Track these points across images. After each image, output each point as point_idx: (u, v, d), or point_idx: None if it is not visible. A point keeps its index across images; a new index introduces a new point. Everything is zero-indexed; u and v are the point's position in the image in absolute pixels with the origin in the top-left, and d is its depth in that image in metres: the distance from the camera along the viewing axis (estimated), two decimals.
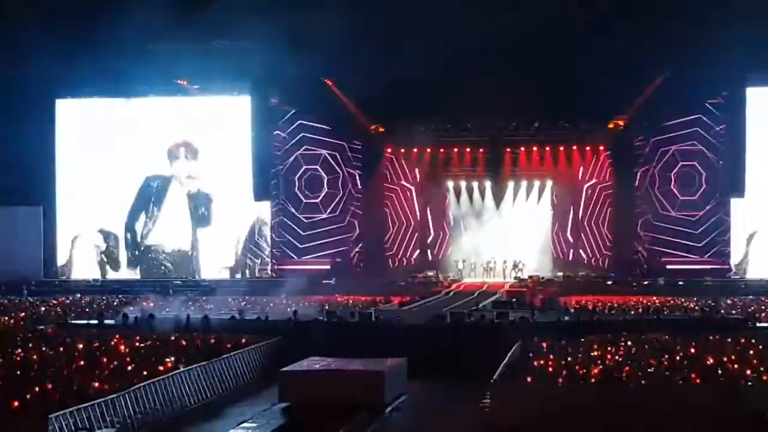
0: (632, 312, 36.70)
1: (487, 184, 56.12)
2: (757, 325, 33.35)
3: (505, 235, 54.96)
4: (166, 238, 55.44)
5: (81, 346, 26.90)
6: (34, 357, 24.97)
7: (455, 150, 55.40)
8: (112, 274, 55.49)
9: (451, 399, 25.52)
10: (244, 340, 29.17)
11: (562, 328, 31.20)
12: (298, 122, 53.78)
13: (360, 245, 54.32)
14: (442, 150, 55.39)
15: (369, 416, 22.96)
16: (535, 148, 54.94)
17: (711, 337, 28.39)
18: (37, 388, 20.19)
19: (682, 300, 42.08)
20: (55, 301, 43.73)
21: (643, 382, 22.00)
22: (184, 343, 28.23)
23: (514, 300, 39.69)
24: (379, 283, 49.21)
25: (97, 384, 21.00)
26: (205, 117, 54.92)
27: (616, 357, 25.09)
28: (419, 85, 47.05)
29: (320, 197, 53.82)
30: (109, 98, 55.55)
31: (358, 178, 54.41)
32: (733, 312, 37.34)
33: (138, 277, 54.95)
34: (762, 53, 49.69)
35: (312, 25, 47.38)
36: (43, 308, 40.53)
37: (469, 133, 54.53)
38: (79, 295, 47.78)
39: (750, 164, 52.01)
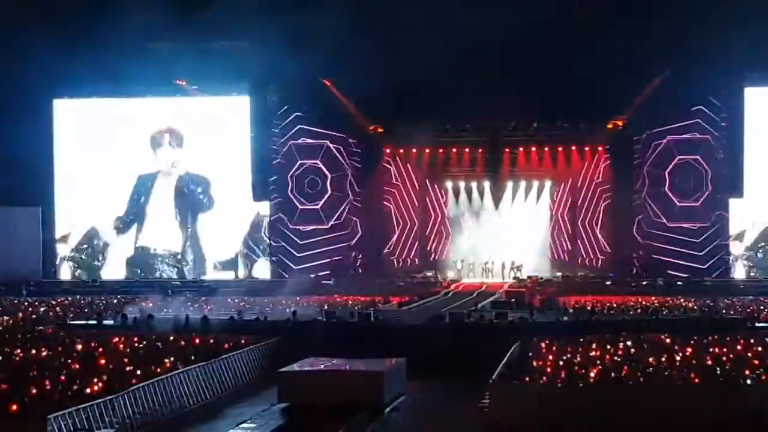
0: (631, 312, 36.73)
1: (486, 184, 56.12)
2: (756, 325, 33.37)
3: (503, 235, 54.95)
4: (157, 238, 55.23)
5: (80, 346, 26.89)
6: (33, 357, 24.96)
7: (454, 150, 55.42)
8: (112, 275, 55.41)
9: (450, 399, 25.54)
10: (243, 341, 29.16)
11: (560, 329, 31.22)
12: (297, 123, 53.75)
13: (359, 245, 54.31)
14: (441, 150, 55.41)
15: (368, 416, 22.96)
16: (534, 149, 54.97)
17: (710, 337, 28.40)
18: (35, 389, 20.18)
19: (681, 300, 42.10)
20: (53, 302, 43.70)
21: (641, 382, 22.01)
22: (183, 343, 28.23)
23: (513, 300, 39.72)
24: (378, 284, 49.22)
25: (95, 384, 20.99)
26: (203, 117, 54.88)
27: (615, 357, 25.10)
28: (418, 85, 47.05)
29: (319, 197, 53.79)
30: (107, 98, 55.50)
31: (357, 178, 54.41)
32: (732, 312, 37.36)
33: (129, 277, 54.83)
34: (760, 53, 49.71)
35: (311, 25, 47.36)
36: (41, 308, 40.52)
37: (468, 134, 54.55)
38: (78, 296, 47.75)
39: (748, 164, 52.04)
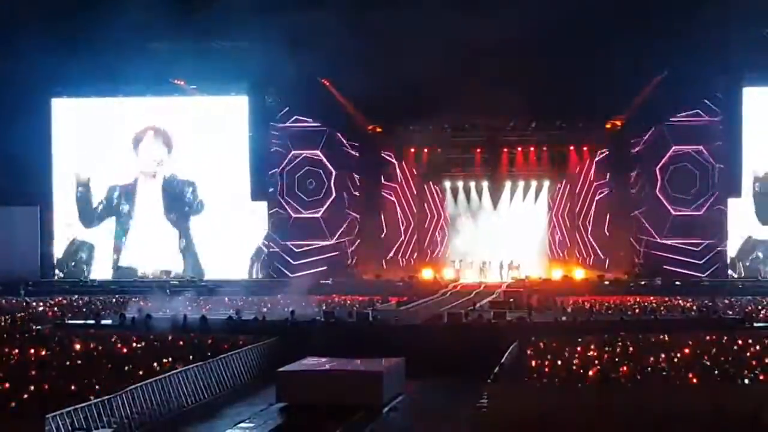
0: (629, 312, 36.74)
1: (485, 184, 56.05)
2: (754, 324, 33.40)
3: (502, 235, 54.87)
4: (142, 255, 54.99)
5: (78, 346, 26.91)
6: (32, 357, 24.96)
7: (452, 150, 55.36)
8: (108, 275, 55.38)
9: (448, 399, 25.55)
10: (241, 341, 29.16)
11: (559, 329, 31.25)
12: (295, 122, 53.73)
13: (357, 245, 54.27)
14: (439, 150, 55.33)
15: (367, 416, 22.97)
16: (532, 149, 54.88)
17: (708, 337, 28.42)
18: (34, 388, 20.18)
19: (679, 300, 42.11)
20: (52, 301, 43.67)
21: (640, 382, 22.02)
22: (181, 343, 28.24)
23: (511, 300, 39.69)
24: (376, 283, 49.13)
25: (94, 384, 20.99)
26: (202, 117, 54.82)
27: (613, 357, 25.12)
28: (417, 85, 47.02)
29: (317, 197, 53.75)
30: (105, 98, 55.46)
31: (355, 178, 54.38)
32: (730, 312, 37.38)
33: None
34: (760, 53, 49.76)
35: (309, 25, 47.37)
36: (40, 308, 40.49)
37: (467, 134, 54.49)
38: (76, 296, 47.71)
39: (747, 164, 52.05)
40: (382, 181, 55.35)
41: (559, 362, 24.20)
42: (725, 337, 28.22)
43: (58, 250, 55.59)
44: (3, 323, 34.63)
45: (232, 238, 54.34)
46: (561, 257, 55.34)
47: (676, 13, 47.76)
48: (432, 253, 56.06)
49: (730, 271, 52.56)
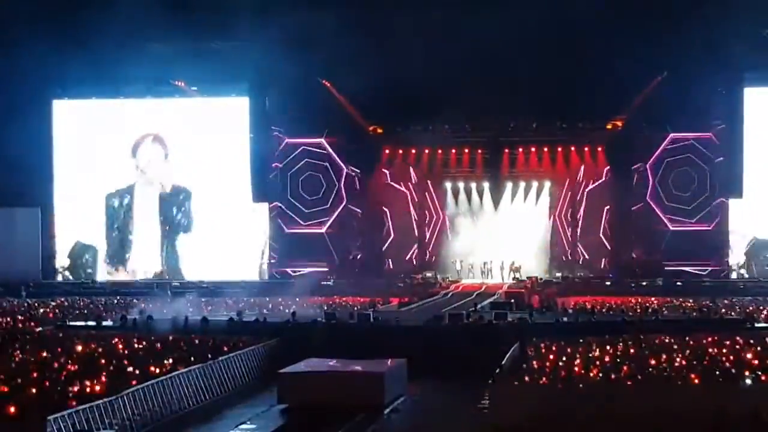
0: (630, 313, 36.71)
1: (485, 184, 56.03)
2: (755, 325, 33.38)
3: (503, 236, 54.86)
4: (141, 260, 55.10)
5: (79, 347, 26.89)
6: (33, 359, 24.95)
7: (453, 151, 55.33)
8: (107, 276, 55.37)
9: (450, 400, 25.53)
10: (242, 342, 29.14)
11: (560, 329, 31.25)
12: (295, 123, 53.74)
13: (358, 246, 54.27)
14: (440, 151, 55.33)
15: (368, 418, 22.96)
16: (533, 149, 54.89)
17: (709, 338, 28.41)
18: (35, 390, 20.18)
19: (681, 300, 42.08)
20: (53, 303, 43.67)
21: (641, 382, 22.01)
22: (182, 344, 28.22)
23: (512, 301, 39.69)
24: (377, 284, 49.17)
25: (95, 386, 20.98)
26: (202, 118, 54.84)
27: (615, 358, 25.10)
28: (417, 85, 47.08)
29: (318, 198, 53.78)
30: (106, 99, 55.48)
31: (356, 178, 54.39)
32: (731, 312, 37.36)
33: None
34: (759, 53, 49.78)
35: (310, 26, 47.42)
36: (41, 310, 40.49)
37: (468, 134, 54.51)
38: (77, 297, 47.71)
39: (748, 164, 52.04)
40: (383, 182, 55.32)
41: (561, 363, 24.18)
42: (726, 338, 28.19)
43: (62, 253, 55.53)
44: (4, 324, 34.63)
45: (233, 239, 54.35)
46: (562, 258, 55.31)
47: (676, 13, 47.80)
48: (433, 254, 56.04)
49: (734, 274, 52.50)
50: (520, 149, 54.99)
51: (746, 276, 52.38)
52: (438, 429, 22.84)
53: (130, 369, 23.60)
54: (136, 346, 27.71)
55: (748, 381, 21.85)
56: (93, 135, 55.38)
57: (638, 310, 37.47)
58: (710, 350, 26.10)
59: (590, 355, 25.53)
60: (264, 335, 30.58)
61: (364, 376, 24.61)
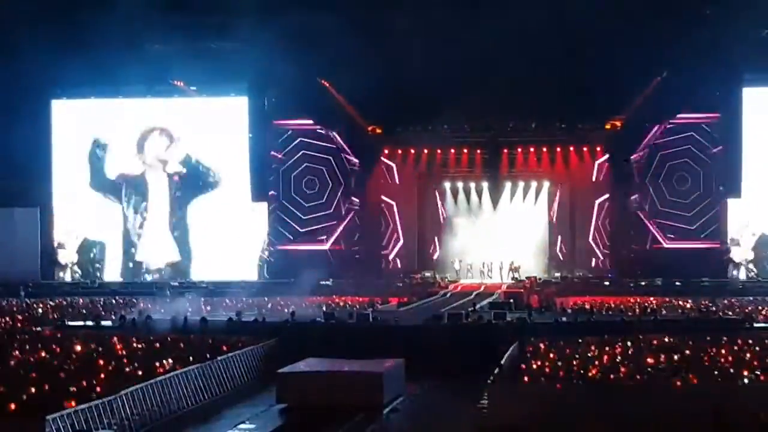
0: (630, 313, 36.72)
1: (485, 184, 56.03)
2: (754, 325, 33.41)
3: (502, 235, 54.89)
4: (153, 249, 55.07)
5: (78, 347, 26.89)
6: (32, 359, 24.96)
7: (452, 151, 55.30)
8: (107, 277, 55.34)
9: (449, 400, 25.55)
10: (241, 342, 29.14)
11: (559, 329, 31.26)
12: (294, 123, 53.75)
13: (357, 246, 54.28)
14: (439, 151, 55.30)
15: (367, 417, 22.96)
16: (532, 149, 54.86)
17: (708, 338, 28.41)
18: (34, 390, 20.18)
19: (680, 300, 42.10)
20: (52, 303, 43.66)
21: (640, 382, 22.01)
22: (181, 344, 28.22)
23: (511, 301, 39.70)
24: (376, 284, 49.17)
25: (94, 385, 20.98)
26: (202, 118, 54.83)
27: (614, 358, 25.11)
28: (417, 86, 47.08)
29: (317, 198, 53.79)
30: (105, 99, 55.45)
31: (355, 179, 54.38)
32: (730, 313, 37.37)
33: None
34: (759, 53, 49.79)
35: (309, 26, 47.42)
36: (40, 310, 40.48)
37: (467, 134, 54.49)
38: (76, 297, 47.71)
39: (747, 164, 52.05)
40: (382, 182, 55.34)
41: (559, 363, 24.18)
42: (726, 338, 28.20)
43: (71, 251, 55.51)
44: (3, 324, 34.63)
45: (233, 239, 54.33)
46: (561, 258, 55.32)
47: (676, 13, 47.80)
48: (432, 253, 56.06)
49: (736, 272, 52.49)
50: (519, 149, 54.97)
51: (755, 272, 52.30)
52: (437, 429, 22.85)
53: (129, 369, 23.60)
54: (134, 346, 27.71)
55: (747, 381, 21.86)
56: (92, 135, 55.26)
57: (637, 310, 37.48)
58: (709, 350, 26.10)
59: (589, 355, 25.53)
60: (263, 335, 30.59)
61: (363, 375, 24.61)
